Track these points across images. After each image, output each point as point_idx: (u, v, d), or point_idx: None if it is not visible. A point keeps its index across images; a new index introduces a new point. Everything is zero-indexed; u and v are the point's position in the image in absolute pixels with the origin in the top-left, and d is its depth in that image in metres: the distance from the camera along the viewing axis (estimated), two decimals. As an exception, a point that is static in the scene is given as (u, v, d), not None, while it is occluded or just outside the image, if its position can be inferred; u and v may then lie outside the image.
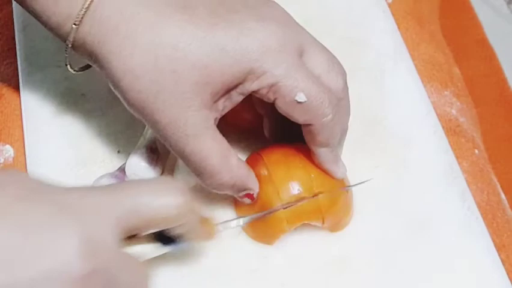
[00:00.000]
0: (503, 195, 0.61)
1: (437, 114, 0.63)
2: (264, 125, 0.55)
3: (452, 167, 0.60)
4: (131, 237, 0.42)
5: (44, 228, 0.36)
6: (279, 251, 0.53)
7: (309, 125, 0.48)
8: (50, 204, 0.37)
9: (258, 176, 0.51)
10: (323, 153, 0.50)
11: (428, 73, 0.67)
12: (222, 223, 0.49)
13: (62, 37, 0.48)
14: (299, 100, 0.47)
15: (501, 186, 0.62)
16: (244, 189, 0.50)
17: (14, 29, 0.62)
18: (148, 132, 0.54)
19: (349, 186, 0.54)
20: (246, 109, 0.55)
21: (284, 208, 0.50)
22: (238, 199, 0.52)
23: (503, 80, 0.67)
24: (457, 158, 0.61)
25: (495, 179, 0.62)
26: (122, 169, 0.54)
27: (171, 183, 0.41)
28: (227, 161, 0.47)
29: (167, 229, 0.44)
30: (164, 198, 0.40)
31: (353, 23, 0.67)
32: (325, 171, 0.52)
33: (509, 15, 0.74)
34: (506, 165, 0.64)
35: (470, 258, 0.55)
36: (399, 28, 0.68)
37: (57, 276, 0.35)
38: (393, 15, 0.69)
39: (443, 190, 0.58)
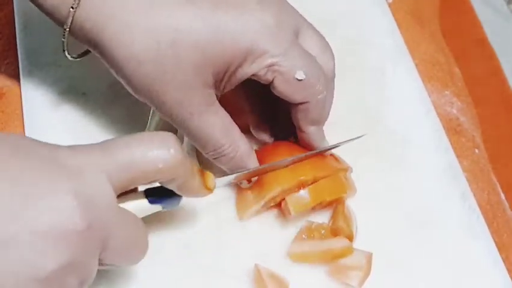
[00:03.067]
0: (502, 195, 0.61)
1: (438, 114, 0.63)
2: (249, 121, 0.55)
3: (452, 166, 0.60)
4: (126, 194, 0.42)
5: (40, 184, 0.36)
6: (279, 250, 0.53)
7: (304, 103, 0.50)
8: (44, 161, 0.37)
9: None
10: (313, 131, 0.52)
11: (428, 73, 0.67)
12: (218, 177, 0.48)
13: (59, 21, 0.48)
14: (299, 78, 0.48)
15: (501, 186, 0.62)
16: (244, 166, 0.51)
17: (14, 28, 0.62)
18: (151, 128, 0.54)
19: (340, 143, 0.55)
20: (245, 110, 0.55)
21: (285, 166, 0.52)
22: (238, 182, 0.53)
23: (503, 80, 0.67)
24: (457, 157, 0.61)
25: (495, 179, 0.62)
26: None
27: (162, 137, 0.41)
28: (230, 133, 0.49)
29: (161, 185, 0.43)
30: (155, 152, 0.40)
31: (353, 23, 0.68)
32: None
33: (509, 15, 0.74)
34: (506, 165, 0.63)
35: (471, 257, 0.55)
36: (399, 28, 0.68)
37: (54, 232, 0.35)
38: (394, 15, 0.69)
39: (444, 189, 0.58)
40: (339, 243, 0.51)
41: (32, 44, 0.61)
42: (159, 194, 0.44)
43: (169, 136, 0.41)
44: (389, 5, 0.70)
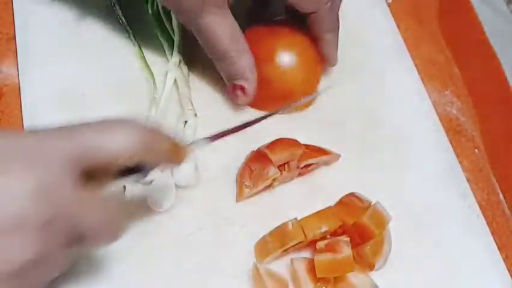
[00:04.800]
0: (501, 195, 0.61)
1: (438, 114, 0.63)
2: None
3: (452, 165, 0.60)
4: (96, 179, 0.40)
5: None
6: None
7: (314, 12, 0.55)
8: (3, 152, 0.36)
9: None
10: (330, 38, 0.58)
11: (428, 73, 0.67)
12: (191, 143, 0.49)
13: None
14: None
15: (500, 186, 0.62)
16: (242, 77, 0.55)
17: (14, 28, 0.62)
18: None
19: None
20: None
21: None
22: (232, 95, 0.57)
23: (503, 80, 0.67)
24: (457, 157, 0.61)
25: (494, 179, 0.62)
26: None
27: (123, 122, 0.41)
28: (237, 39, 0.54)
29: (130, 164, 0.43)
30: (117, 137, 0.39)
31: (353, 23, 0.67)
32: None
33: (509, 15, 0.74)
34: (506, 165, 0.63)
35: (471, 256, 0.55)
36: (399, 28, 0.68)
37: (17, 227, 0.34)
38: (393, 15, 0.69)
39: (444, 189, 0.58)
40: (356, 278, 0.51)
41: (32, 45, 0.61)
42: (129, 171, 0.43)
43: (133, 123, 0.41)
44: (389, 5, 0.70)
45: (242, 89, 0.56)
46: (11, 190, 0.35)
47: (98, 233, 0.40)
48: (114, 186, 0.43)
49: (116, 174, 0.43)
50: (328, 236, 0.52)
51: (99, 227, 0.40)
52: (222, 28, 0.52)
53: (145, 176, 0.45)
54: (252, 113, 0.60)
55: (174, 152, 0.45)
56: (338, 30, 0.58)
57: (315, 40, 0.58)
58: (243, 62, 0.54)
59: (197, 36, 0.54)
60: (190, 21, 0.53)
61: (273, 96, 0.59)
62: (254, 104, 0.60)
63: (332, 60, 0.60)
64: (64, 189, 0.37)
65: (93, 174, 0.40)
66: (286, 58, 0.58)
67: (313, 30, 0.57)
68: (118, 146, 0.39)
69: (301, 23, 0.59)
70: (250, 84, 0.56)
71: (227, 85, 0.58)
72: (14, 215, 0.34)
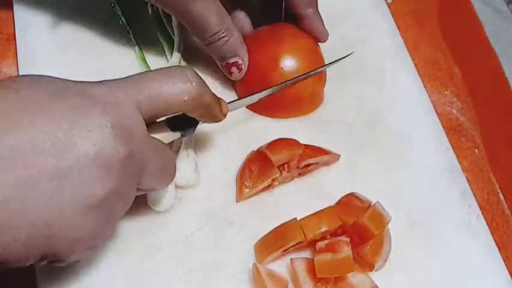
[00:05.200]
0: (501, 195, 0.61)
1: (438, 114, 0.63)
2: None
3: (452, 165, 0.60)
4: (149, 125, 0.45)
5: (81, 121, 0.38)
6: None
7: None
8: (81, 97, 0.40)
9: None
10: (312, 14, 0.58)
11: (428, 73, 0.67)
12: (230, 102, 0.52)
13: None
14: None
15: (500, 186, 0.62)
16: (235, 55, 0.56)
17: (14, 29, 0.62)
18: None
19: (334, 61, 0.60)
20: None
21: (288, 82, 0.57)
22: (227, 74, 0.58)
23: (503, 80, 0.67)
24: (457, 157, 0.61)
25: (494, 179, 0.62)
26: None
27: (184, 71, 0.45)
28: (225, 20, 0.55)
29: (179, 114, 0.47)
30: (180, 85, 0.44)
31: (353, 23, 0.68)
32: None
33: (509, 15, 0.74)
34: (506, 165, 0.63)
35: (471, 256, 0.55)
36: (399, 28, 0.68)
37: (101, 161, 0.38)
38: (393, 15, 0.69)
39: (444, 188, 0.58)
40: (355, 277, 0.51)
41: (32, 44, 0.61)
42: (178, 122, 0.48)
43: (190, 71, 0.45)
44: (389, 5, 0.70)
45: (236, 65, 0.57)
46: (94, 130, 0.38)
47: (160, 174, 0.45)
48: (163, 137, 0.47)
49: (166, 126, 0.48)
50: (328, 236, 0.52)
51: (162, 168, 0.45)
52: (210, 11, 0.54)
53: (192, 130, 0.50)
54: (252, 116, 0.60)
55: (218, 107, 0.49)
56: (317, 5, 0.59)
57: (299, 19, 0.59)
58: (233, 39, 0.56)
59: (187, 25, 0.55)
60: (180, 12, 0.54)
61: (280, 103, 0.59)
62: (262, 111, 0.60)
63: (321, 35, 0.60)
64: (137, 130, 0.41)
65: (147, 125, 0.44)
66: (290, 64, 0.58)
67: (294, 8, 0.58)
68: (177, 93, 0.44)
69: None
70: (243, 59, 0.57)
71: (220, 66, 0.58)
72: (98, 152, 0.38)
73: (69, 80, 0.41)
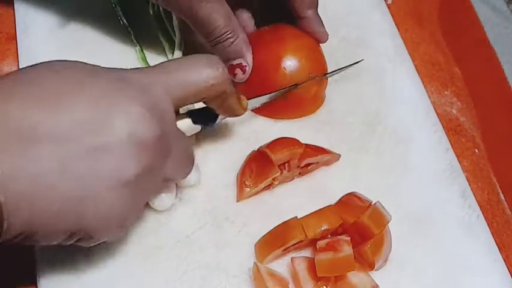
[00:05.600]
0: (502, 195, 0.61)
1: (438, 114, 0.63)
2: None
3: (452, 165, 0.60)
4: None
5: (116, 100, 0.40)
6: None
7: None
8: (117, 82, 0.41)
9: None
10: (312, 15, 0.58)
11: (428, 73, 0.67)
12: (250, 99, 0.54)
13: None
14: None
15: (500, 186, 0.62)
16: (239, 56, 0.56)
17: (15, 28, 0.62)
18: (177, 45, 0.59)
19: (341, 68, 0.61)
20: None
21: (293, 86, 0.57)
22: (231, 75, 0.57)
23: (503, 80, 0.67)
24: (457, 157, 0.61)
25: (494, 179, 0.62)
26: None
27: (210, 57, 0.46)
28: (231, 20, 0.55)
29: (199, 108, 0.50)
30: (207, 70, 0.45)
31: (353, 24, 0.68)
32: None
33: (509, 15, 0.74)
34: (506, 165, 0.63)
35: (471, 256, 0.55)
36: (399, 29, 0.68)
37: (136, 139, 0.39)
38: (393, 16, 0.69)
39: (444, 189, 0.58)
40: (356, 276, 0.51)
41: (33, 44, 0.61)
42: (199, 115, 0.50)
43: (215, 58, 0.46)
44: (389, 5, 0.70)
45: (240, 67, 0.57)
46: (130, 110, 0.40)
47: (182, 161, 0.47)
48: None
49: (188, 117, 0.50)
50: (328, 236, 0.52)
51: (183, 154, 0.47)
52: (217, 12, 0.54)
53: (211, 124, 0.52)
54: (253, 116, 0.60)
55: (238, 99, 0.51)
56: (317, 6, 0.59)
57: (299, 20, 0.59)
58: (238, 40, 0.56)
59: (193, 26, 0.55)
60: (186, 13, 0.54)
61: (282, 105, 0.59)
62: (263, 112, 0.60)
63: (321, 36, 0.60)
64: (167, 114, 0.43)
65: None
66: (292, 64, 0.58)
67: (294, 10, 0.58)
68: (204, 78, 0.45)
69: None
70: (247, 61, 0.57)
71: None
72: (133, 131, 0.39)
73: (102, 67, 0.42)
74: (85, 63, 0.42)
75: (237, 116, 0.52)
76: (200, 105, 0.50)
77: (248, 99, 0.54)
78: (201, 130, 0.51)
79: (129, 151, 0.39)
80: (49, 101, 0.38)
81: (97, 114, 0.39)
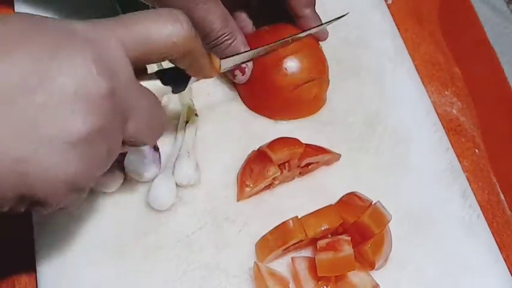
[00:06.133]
0: (502, 195, 0.61)
1: (438, 114, 0.63)
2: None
3: (453, 165, 0.60)
4: (138, 75, 0.42)
5: (60, 54, 0.36)
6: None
7: None
8: (59, 32, 0.38)
9: None
10: (309, 14, 0.58)
11: (429, 73, 0.67)
12: (223, 59, 0.51)
13: None
14: None
15: (500, 186, 0.62)
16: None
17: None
18: None
19: (325, 23, 0.60)
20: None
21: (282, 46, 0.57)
22: (231, 77, 0.58)
23: (503, 80, 0.67)
24: (457, 157, 0.61)
25: (494, 179, 0.62)
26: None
27: (172, 11, 0.42)
28: (229, 22, 0.55)
29: (170, 68, 0.46)
30: (169, 27, 0.41)
31: (353, 24, 0.68)
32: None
33: (509, 15, 0.74)
34: (506, 165, 0.63)
35: (472, 255, 0.55)
36: (399, 29, 0.68)
37: (81, 95, 0.36)
38: (393, 16, 0.69)
39: (444, 188, 0.58)
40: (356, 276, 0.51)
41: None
42: (169, 76, 0.46)
43: (179, 12, 0.42)
44: (389, 6, 0.71)
45: (240, 69, 0.57)
46: (73, 64, 0.36)
47: (148, 122, 0.42)
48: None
49: (156, 77, 0.45)
50: (329, 235, 0.52)
51: (151, 117, 0.42)
52: (213, 14, 0.53)
53: (183, 86, 0.48)
54: (253, 116, 0.60)
55: (208, 59, 0.48)
56: (315, 4, 0.59)
57: (297, 19, 0.59)
58: (237, 42, 0.56)
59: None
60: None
61: (282, 106, 0.59)
62: (264, 113, 0.60)
63: (320, 34, 0.60)
64: (122, 70, 0.39)
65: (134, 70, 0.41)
66: (293, 64, 0.58)
67: (292, 9, 0.58)
68: (165, 34, 0.41)
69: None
70: (247, 63, 0.57)
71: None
72: (77, 86, 0.36)
73: (51, 18, 0.39)
74: (34, 14, 0.39)
75: (209, 77, 0.49)
76: (170, 64, 0.47)
77: (221, 59, 0.51)
78: (172, 92, 0.47)
79: (74, 108, 0.36)
80: None
81: (39, 68, 0.36)
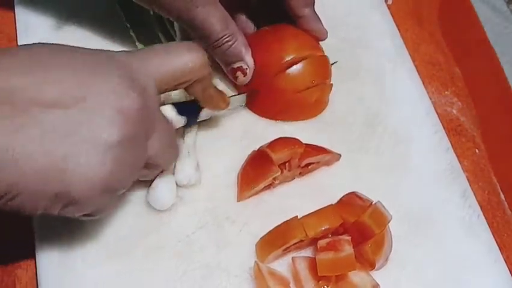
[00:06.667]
0: (502, 195, 0.61)
1: (438, 114, 0.63)
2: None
3: (453, 166, 0.60)
4: None
5: (99, 70, 0.42)
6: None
7: None
8: (96, 54, 0.43)
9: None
10: (309, 13, 0.59)
11: (429, 73, 0.67)
12: (231, 96, 0.56)
13: None
14: None
15: (500, 186, 0.62)
16: (239, 59, 0.57)
17: (15, 28, 0.62)
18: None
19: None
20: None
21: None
22: (232, 79, 0.58)
23: (503, 80, 0.67)
24: (457, 157, 0.61)
25: (495, 179, 0.62)
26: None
27: (189, 44, 0.48)
28: (229, 24, 0.55)
29: (184, 102, 0.52)
30: (186, 54, 0.47)
31: (353, 24, 0.68)
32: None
33: (509, 15, 0.74)
34: (506, 165, 0.63)
35: (471, 256, 0.55)
36: (399, 29, 0.68)
37: (117, 105, 0.41)
38: (393, 16, 0.69)
39: (445, 189, 0.59)
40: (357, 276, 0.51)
41: (33, 44, 0.61)
42: (183, 108, 0.51)
43: (193, 44, 0.48)
44: (389, 6, 0.71)
45: (241, 70, 0.57)
46: (112, 80, 0.42)
47: (167, 145, 0.47)
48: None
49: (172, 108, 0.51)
50: (329, 235, 0.52)
51: (167, 139, 0.47)
52: (213, 16, 0.54)
53: (195, 117, 0.53)
54: (254, 116, 0.60)
55: (219, 93, 0.53)
56: (314, 4, 0.59)
57: (296, 19, 0.59)
58: (237, 43, 0.56)
59: (191, 31, 0.55)
60: (183, 18, 0.54)
61: (284, 109, 0.59)
62: (265, 115, 0.60)
63: (320, 33, 0.60)
64: (151, 91, 0.44)
65: None
66: (295, 68, 0.57)
67: (291, 9, 0.58)
68: (184, 61, 0.47)
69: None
70: (248, 64, 0.57)
71: (225, 70, 0.58)
72: (116, 97, 0.41)
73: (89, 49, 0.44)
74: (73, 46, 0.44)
75: (219, 109, 0.54)
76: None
77: (230, 97, 0.55)
78: (186, 125, 0.52)
79: (112, 118, 0.41)
80: (37, 70, 0.39)
81: (82, 83, 0.40)
